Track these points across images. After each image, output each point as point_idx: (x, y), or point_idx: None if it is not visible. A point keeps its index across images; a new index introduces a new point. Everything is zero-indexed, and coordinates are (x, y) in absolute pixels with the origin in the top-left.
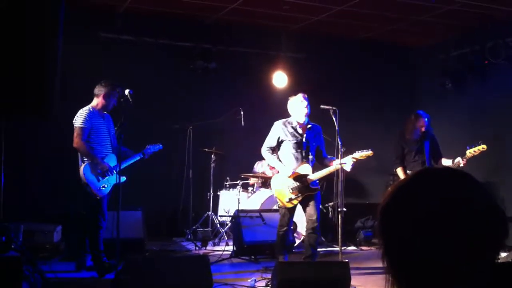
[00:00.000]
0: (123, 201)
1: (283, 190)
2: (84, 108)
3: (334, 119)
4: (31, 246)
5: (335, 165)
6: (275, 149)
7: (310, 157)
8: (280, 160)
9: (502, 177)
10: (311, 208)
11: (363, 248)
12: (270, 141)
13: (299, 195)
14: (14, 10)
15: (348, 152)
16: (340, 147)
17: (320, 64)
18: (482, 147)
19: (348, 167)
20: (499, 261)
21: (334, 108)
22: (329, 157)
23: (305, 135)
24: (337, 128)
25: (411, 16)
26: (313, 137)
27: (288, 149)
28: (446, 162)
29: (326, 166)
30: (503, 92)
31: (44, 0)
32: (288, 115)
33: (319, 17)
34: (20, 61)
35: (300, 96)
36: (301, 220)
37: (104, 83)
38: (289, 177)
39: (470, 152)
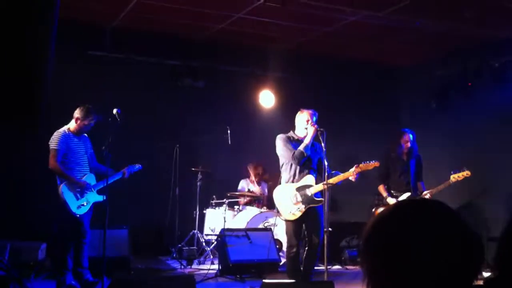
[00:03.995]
0: (109, 219)
1: (285, 201)
2: (59, 130)
3: (321, 140)
4: (16, 264)
5: (337, 177)
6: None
7: (312, 170)
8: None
9: (486, 198)
10: (314, 227)
11: (348, 267)
12: (288, 147)
13: (303, 206)
14: (5, 22)
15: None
16: (326, 168)
17: (307, 84)
18: (466, 173)
19: (353, 178)
20: (480, 281)
21: (322, 129)
22: (333, 172)
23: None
24: (324, 149)
25: (396, 37)
26: (314, 151)
27: (292, 163)
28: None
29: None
30: (486, 113)
31: (37, 12)
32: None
33: (305, 38)
34: (9, 73)
35: (307, 115)
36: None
37: (81, 107)
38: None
39: (454, 177)
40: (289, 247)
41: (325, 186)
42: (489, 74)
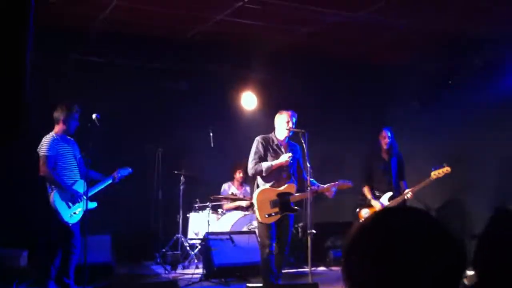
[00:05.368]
0: (91, 224)
1: (264, 203)
2: (48, 136)
3: (303, 141)
4: None
5: (316, 189)
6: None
7: (293, 176)
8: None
9: (467, 195)
10: (284, 231)
11: (333, 268)
12: (257, 156)
13: (278, 212)
14: None
15: (321, 175)
16: (309, 169)
17: (289, 85)
18: (446, 169)
19: (331, 195)
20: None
21: (303, 130)
22: (307, 177)
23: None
24: (306, 151)
25: (378, 37)
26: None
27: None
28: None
29: (302, 184)
30: (469, 110)
31: (12, 19)
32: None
33: (287, 39)
34: None
35: (286, 117)
36: None
37: (61, 107)
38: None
39: (434, 174)
40: (262, 247)
41: (310, 190)
42: (471, 72)
